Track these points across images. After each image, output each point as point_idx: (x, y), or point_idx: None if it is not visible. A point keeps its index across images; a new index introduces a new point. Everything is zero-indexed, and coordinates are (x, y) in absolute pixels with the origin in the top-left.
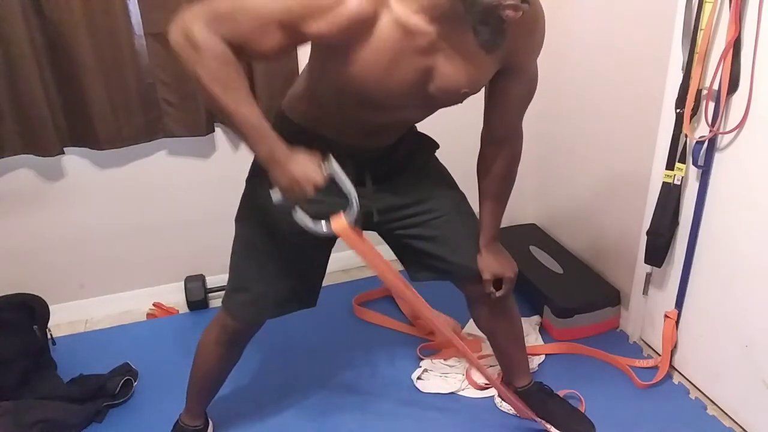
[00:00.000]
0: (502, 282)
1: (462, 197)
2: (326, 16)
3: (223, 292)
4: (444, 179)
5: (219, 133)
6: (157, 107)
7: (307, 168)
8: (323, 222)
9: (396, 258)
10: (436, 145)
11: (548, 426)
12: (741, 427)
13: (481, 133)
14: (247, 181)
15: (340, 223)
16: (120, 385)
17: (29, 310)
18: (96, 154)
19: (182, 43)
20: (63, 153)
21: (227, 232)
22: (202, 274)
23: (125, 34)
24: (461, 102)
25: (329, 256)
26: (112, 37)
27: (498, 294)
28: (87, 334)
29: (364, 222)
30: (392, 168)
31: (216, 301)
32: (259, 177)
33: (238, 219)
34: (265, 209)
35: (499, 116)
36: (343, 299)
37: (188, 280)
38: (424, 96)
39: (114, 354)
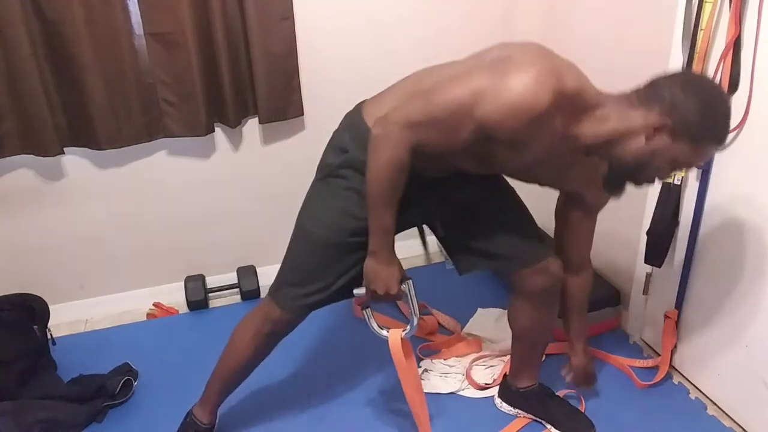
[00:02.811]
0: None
1: (519, 200)
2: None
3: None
4: (507, 189)
5: (219, 133)
6: (157, 107)
7: (390, 277)
8: (384, 329)
9: (442, 249)
10: None
11: (548, 426)
12: (741, 427)
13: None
14: (320, 179)
15: (395, 335)
16: (120, 385)
17: (29, 310)
18: (96, 154)
19: (379, 137)
20: (63, 153)
21: (227, 232)
22: (202, 274)
23: (125, 34)
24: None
25: None
26: (112, 37)
27: (569, 380)
28: (87, 334)
29: (423, 218)
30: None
31: (216, 301)
32: (334, 178)
33: (309, 216)
34: (337, 210)
35: (574, 247)
36: None
37: (188, 280)
38: (544, 180)
39: (114, 354)
